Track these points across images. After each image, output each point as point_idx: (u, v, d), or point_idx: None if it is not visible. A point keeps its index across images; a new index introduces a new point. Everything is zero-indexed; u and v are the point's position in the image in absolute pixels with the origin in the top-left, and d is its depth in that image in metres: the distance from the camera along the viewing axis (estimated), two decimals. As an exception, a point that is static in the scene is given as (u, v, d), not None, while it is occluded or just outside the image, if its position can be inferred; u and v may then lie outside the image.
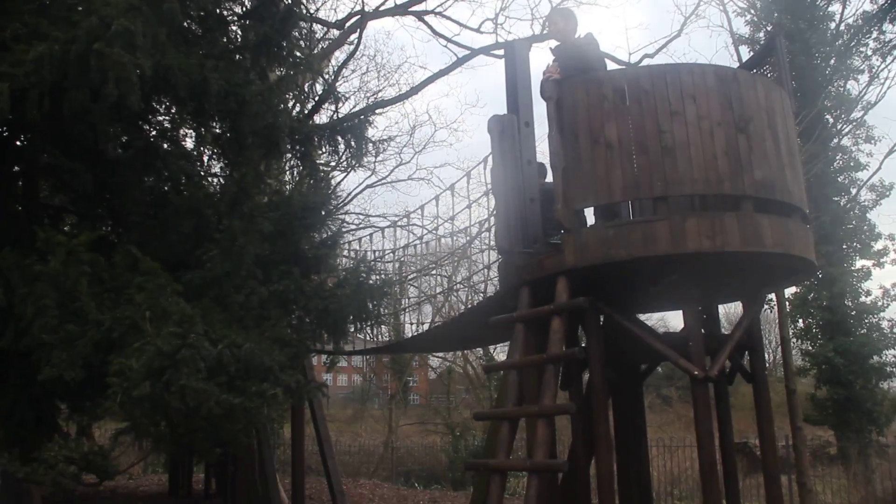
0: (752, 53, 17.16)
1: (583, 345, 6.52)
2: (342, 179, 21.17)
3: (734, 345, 6.12)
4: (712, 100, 5.78)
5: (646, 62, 17.09)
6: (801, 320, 18.09)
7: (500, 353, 29.44)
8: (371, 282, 7.83)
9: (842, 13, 18.20)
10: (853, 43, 17.77)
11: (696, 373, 5.59)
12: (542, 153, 7.27)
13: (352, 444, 25.23)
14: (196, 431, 5.72)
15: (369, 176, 25.03)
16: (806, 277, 8.73)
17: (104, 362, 6.14)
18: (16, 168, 8.64)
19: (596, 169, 5.74)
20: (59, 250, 6.02)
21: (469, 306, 10.61)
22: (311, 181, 9.64)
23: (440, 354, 31.57)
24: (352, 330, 8.08)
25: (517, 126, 7.05)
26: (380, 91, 24.50)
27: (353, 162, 10.29)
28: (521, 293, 6.18)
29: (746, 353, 6.84)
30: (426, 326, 16.02)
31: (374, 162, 23.03)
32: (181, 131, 8.30)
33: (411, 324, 15.74)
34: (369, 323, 8.07)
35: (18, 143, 8.68)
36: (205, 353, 5.38)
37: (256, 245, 7.05)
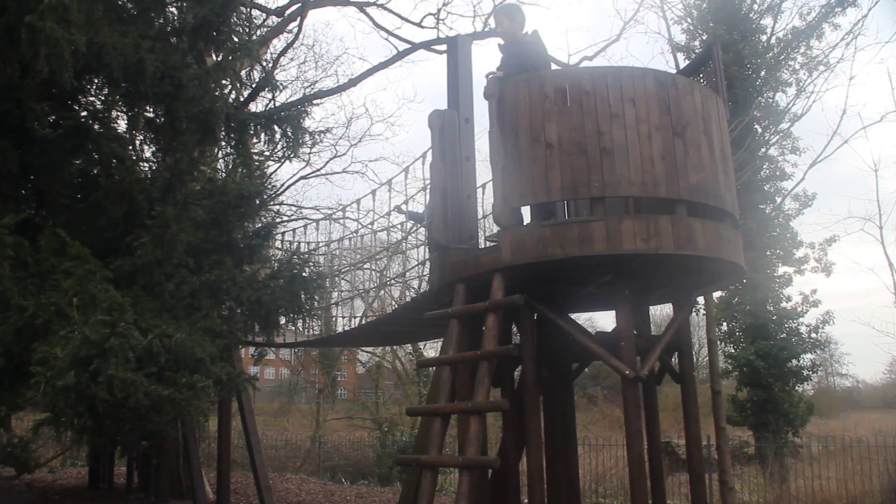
0: (687, 61, 17.60)
1: (516, 342, 6.57)
2: (276, 170, 20.82)
3: (664, 346, 6.24)
4: (651, 104, 5.87)
5: (584, 65, 17.33)
6: (725, 324, 18.59)
7: (430, 349, 29.52)
8: (305, 274, 7.72)
9: (773, 27, 18.79)
10: (783, 56, 18.34)
11: (626, 372, 5.67)
12: (481, 151, 7.29)
13: (278, 438, 24.95)
14: (122, 423, 5.55)
15: (303, 167, 24.78)
16: (735, 281, 8.97)
17: (26, 350, 5.93)
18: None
19: (535, 167, 5.77)
20: (-20, 232, 5.79)
21: (402, 302, 10.58)
22: (245, 170, 9.45)
23: (369, 350, 31.47)
24: (283, 322, 7.96)
25: (458, 122, 7.07)
26: (317, 82, 24.27)
27: (289, 152, 10.09)
28: (456, 289, 6.19)
29: (675, 354, 7.00)
30: (357, 321, 15.93)
31: (309, 153, 22.81)
32: (113, 113, 8.03)
33: (343, 317, 15.61)
34: (302, 315, 7.97)
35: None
36: (134, 343, 5.23)
37: (189, 233, 6.89)
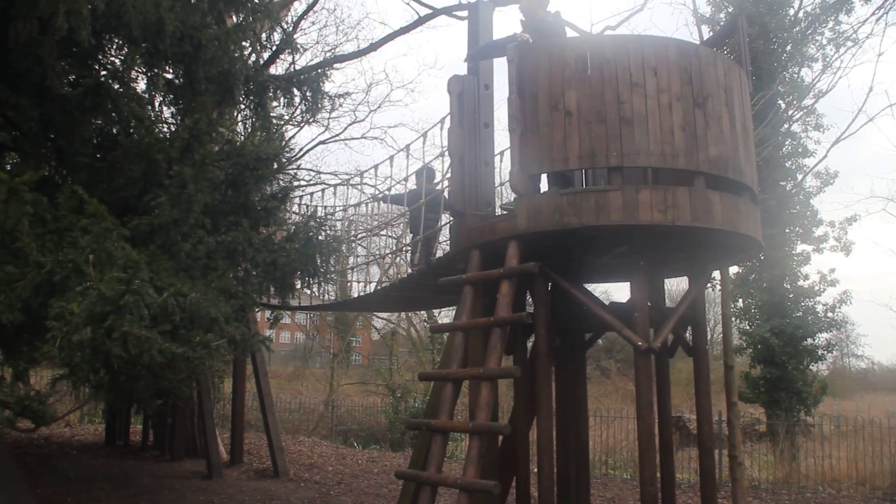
0: (711, 33, 17.34)
1: (529, 310, 6.58)
2: (295, 134, 20.84)
3: (678, 318, 6.23)
4: (673, 74, 5.81)
5: (607, 34, 17.11)
6: (740, 300, 18.51)
7: (445, 316, 29.61)
8: (321, 237, 7.73)
9: (801, 1, 18.46)
10: (810, 31, 18.04)
11: (639, 344, 5.67)
12: (499, 119, 7.25)
13: (292, 401, 25.18)
14: (137, 380, 5.61)
15: (323, 132, 24.79)
16: (751, 257, 8.91)
17: (43, 306, 5.98)
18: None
19: (553, 135, 5.74)
20: (1, 188, 5.81)
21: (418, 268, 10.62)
22: (263, 133, 9.45)
23: (384, 316, 31.62)
24: (299, 285, 7.99)
25: (477, 88, 7.03)
26: (337, 46, 24.16)
27: (309, 115, 10.11)
28: (471, 255, 6.20)
29: (689, 328, 6.98)
30: (372, 286, 15.99)
31: (329, 118, 22.78)
32: (132, 73, 8.03)
33: (358, 282, 15.69)
34: (317, 279, 8.00)
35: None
36: (149, 301, 5.26)
37: (206, 193, 6.90)
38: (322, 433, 22.02)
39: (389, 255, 14.13)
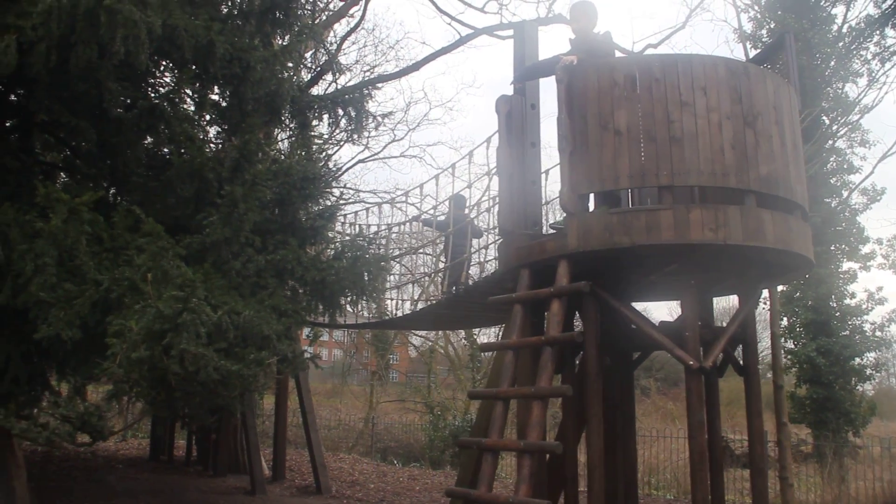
0: (754, 50, 17.25)
1: (578, 329, 6.56)
2: (334, 153, 21.07)
3: (729, 337, 6.18)
4: (722, 92, 5.80)
5: (648, 52, 17.09)
6: (785, 319, 18.22)
7: (483, 335, 29.59)
8: (368, 255, 7.80)
9: (845, 15, 18.27)
10: (854, 46, 17.83)
11: (691, 363, 5.64)
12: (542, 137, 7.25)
13: (331, 418, 25.28)
14: (192, 396, 5.71)
15: (362, 151, 24.97)
16: (803, 275, 8.81)
17: (100, 323, 6.12)
18: (7, 123, 8.56)
19: (603, 154, 5.76)
20: (61, 208, 5.97)
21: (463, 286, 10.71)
22: (303, 152, 9.57)
23: (422, 333, 31.62)
24: (345, 303, 8.06)
25: (524, 107, 7.07)
26: (377, 66, 24.40)
27: (354, 135, 10.21)
28: (520, 275, 6.21)
29: (739, 346, 6.92)
30: (411, 305, 16.09)
31: (368, 137, 22.95)
32: (184, 94, 8.21)
33: (392, 299, 15.80)
34: (364, 297, 8.07)
35: (14, 97, 8.60)
36: (205, 319, 5.36)
37: (256, 212, 7.02)
38: (361, 450, 22.08)
39: (428, 275, 14.25)
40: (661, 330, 6.18)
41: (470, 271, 12.19)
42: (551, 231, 6.87)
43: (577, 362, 6.90)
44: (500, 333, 27.70)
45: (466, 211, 12.00)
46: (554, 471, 6.86)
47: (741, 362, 6.79)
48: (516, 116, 6.82)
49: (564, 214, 5.95)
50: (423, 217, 13.81)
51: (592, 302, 6.07)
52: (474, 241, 11.78)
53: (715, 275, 6.46)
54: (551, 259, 5.90)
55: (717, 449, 6.96)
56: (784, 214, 5.88)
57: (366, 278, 7.67)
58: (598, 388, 5.98)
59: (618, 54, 7.33)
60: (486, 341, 29.11)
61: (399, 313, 15.15)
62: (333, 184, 9.03)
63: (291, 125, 10.09)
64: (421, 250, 17.14)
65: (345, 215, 14.88)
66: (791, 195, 6.00)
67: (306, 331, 23.62)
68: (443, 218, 12.52)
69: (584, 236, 5.69)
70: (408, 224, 13.61)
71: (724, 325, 6.50)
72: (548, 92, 7.16)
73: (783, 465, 7.32)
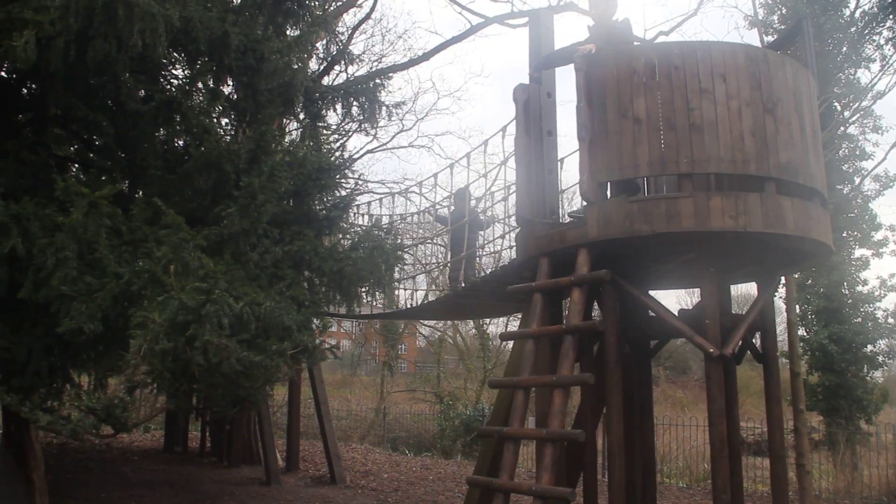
0: (766, 36, 17.15)
1: (597, 317, 6.56)
2: (342, 143, 21.09)
3: (749, 325, 6.17)
4: (742, 79, 5.78)
5: (660, 40, 17.03)
6: (797, 306, 18.18)
7: (492, 324, 29.61)
8: (387, 246, 7.80)
9: (857, 0, 18.13)
10: (866, 31, 17.70)
11: (711, 350, 5.64)
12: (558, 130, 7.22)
13: (341, 408, 25.36)
14: (215, 388, 5.73)
15: (370, 141, 24.94)
16: (822, 262, 8.78)
17: (120, 316, 6.14)
18: (21, 117, 8.57)
19: (623, 143, 5.75)
20: (81, 201, 5.98)
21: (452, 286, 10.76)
22: (311, 143, 9.56)
23: (430, 323, 31.67)
24: (363, 293, 8.07)
25: (540, 96, 7.05)
26: (384, 56, 24.33)
27: (367, 125, 10.22)
28: (540, 263, 6.20)
29: (757, 334, 6.91)
30: (419, 295, 16.14)
31: (376, 127, 22.89)
32: (199, 86, 8.20)
33: (405, 290, 15.84)
34: (381, 287, 8.08)
35: (26, 90, 8.62)
36: (227, 310, 5.38)
37: (274, 204, 7.03)
38: (372, 440, 22.16)
39: (437, 266, 14.27)
40: (681, 318, 6.18)
41: (481, 261, 12.26)
42: (569, 220, 6.86)
43: (595, 351, 6.91)
44: (509, 323, 27.75)
45: (473, 204, 12.07)
46: (571, 459, 6.88)
47: (760, 350, 6.79)
48: (534, 105, 6.80)
49: (577, 204, 5.95)
50: (436, 215, 13.89)
51: (611, 290, 6.07)
52: (480, 234, 11.85)
53: (733, 262, 6.45)
54: (570, 248, 5.90)
55: (735, 436, 6.97)
56: (803, 201, 5.87)
57: (383, 269, 7.67)
58: (618, 376, 5.98)
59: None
60: (495, 331, 29.17)
61: (409, 304, 15.20)
62: (348, 174, 8.97)
63: (304, 116, 10.10)
64: (431, 241, 17.15)
65: (358, 206, 14.89)
66: (810, 182, 5.99)
67: (315, 321, 23.70)
68: (446, 212, 12.60)
69: (605, 225, 5.68)
70: (418, 215, 13.61)
71: (743, 313, 6.49)
72: (561, 80, 7.13)
73: (800, 452, 7.32)
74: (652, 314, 6.57)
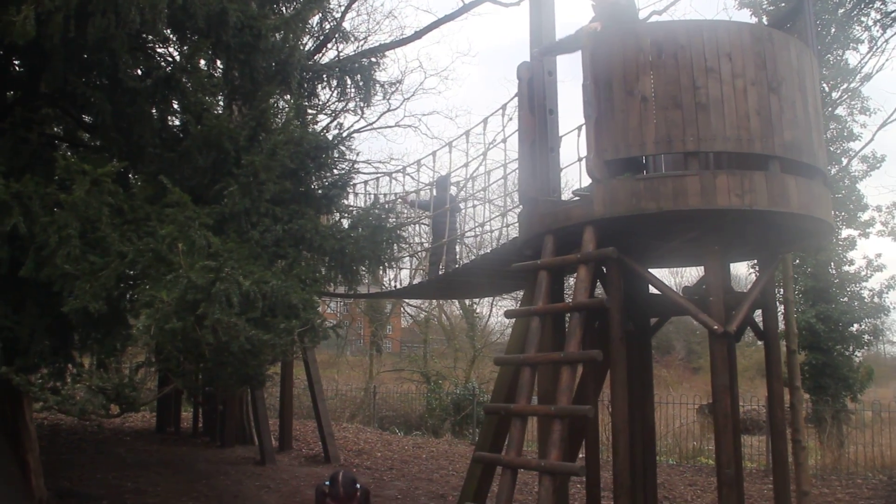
0: (754, 17, 17.15)
1: (601, 295, 6.59)
2: (338, 122, 20.98)
3: (752, 302, 6.22)
4: (747, 58, 5.80)
5: (654, 19, 17.01)
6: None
7: (479, 304, 29.67)
8: (389, 224, 7.79)
9: (846, -20, 18.14)
10: (855, 12, 17.74)
11: (715, 327, 5.69)
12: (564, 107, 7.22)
13: (328, 388, 25.36)
14: (224, 367, 5.72)
15: (357, 120, 24.73)
16: (823, 240, 8.86)
17: (124, 295, 6.11)
18: (9, 93, 8.47)
19: (629, 121, 5.76)
20: (83, 179, 5.92)
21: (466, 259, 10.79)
22: (299, 121, 9.50)
23: (416, 303, 31.67)
24: (364, 272, 8.06)
25: (542, 75, 7.04)
26: (370, 35, 24.09)
27: (362, 104, 10.17)
28: (545, 241, 6.21)
29: (758, 311, 6.97)
30: (405, 274, 16.17)
31: (363, 106, 22.65)
32: (197, 63, 8.11)
33: (391, 268, 15.82)
34: (382, 266, 8.07)
35: (16, 67, 8.51)
36: (236, 289, 5.36)
37: (275, 182, 6.99)
38: (361, 420, 22.21)
39: (423, 248, 14.31)
40: (685, 295, 6.22)
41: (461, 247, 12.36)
42: (574, 198, 6.87)
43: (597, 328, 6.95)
44: (495, 303, 27.80)
45: (454, 192, 12.19)
46: (573, 435, 6.93)
47: (761, 327, 6.85)
48: (537, 83, 6.79)
49: (573, 183, 5.96)
50: (410, 198, 13.92)
51: (616, 268, 6.10)
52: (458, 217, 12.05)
53: (736, 240, 6.49)
54: (576, 225, 5.91)
55: (735, 413, 7.04)
56: (807, 180, 5.92)
57: (384, 247, 7.66)
58: (623, 353, 6.02)
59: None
60: (484, 312, 29.26)
61: (395, 285, 15.19)
62: (346, 152, 8.92)
63: (298, 95, 10.01)
64: (424, 221, 17.15)
65: (354, 185, 14.84)
66: (813, 161, 6.03)
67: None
68: (426, 198, 12.67)
69: (611, 202, 5.70)
70: (416, 193, 13.60)
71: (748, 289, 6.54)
72: (562, 60, 7.13)
73: (796, 428, 7.42)
74: (655, 292, 6.61)
